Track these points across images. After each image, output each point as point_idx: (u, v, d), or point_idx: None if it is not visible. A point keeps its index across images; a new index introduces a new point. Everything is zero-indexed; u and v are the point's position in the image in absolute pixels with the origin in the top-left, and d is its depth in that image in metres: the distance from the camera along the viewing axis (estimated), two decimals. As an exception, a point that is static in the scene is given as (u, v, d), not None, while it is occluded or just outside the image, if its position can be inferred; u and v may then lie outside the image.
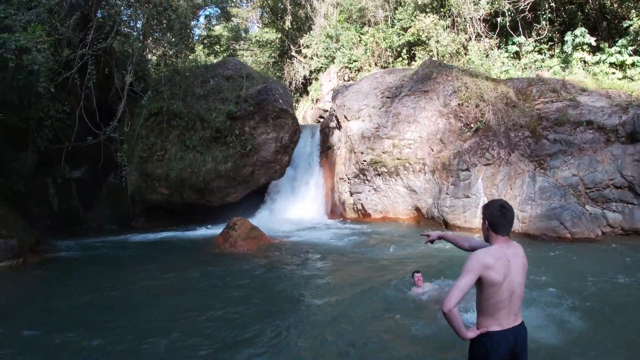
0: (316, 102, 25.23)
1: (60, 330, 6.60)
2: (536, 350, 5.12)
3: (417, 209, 14.74)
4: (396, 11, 22.51)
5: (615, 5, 18.19)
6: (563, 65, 17.22)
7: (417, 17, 21.03)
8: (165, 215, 16.44)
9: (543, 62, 17.97)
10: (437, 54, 20.07)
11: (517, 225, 11.92)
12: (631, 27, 15.99)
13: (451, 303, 3.14)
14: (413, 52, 21.55)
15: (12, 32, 10.55)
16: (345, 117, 16.89)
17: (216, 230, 14.20)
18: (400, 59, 21.70)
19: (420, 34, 20.78)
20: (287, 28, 27.92)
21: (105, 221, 15.93)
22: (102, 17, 14.46)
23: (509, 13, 18.80)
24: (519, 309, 3.44)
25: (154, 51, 18.98)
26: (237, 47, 29.78)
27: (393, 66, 21.20)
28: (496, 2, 18.76)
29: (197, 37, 26.58)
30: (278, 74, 28.01)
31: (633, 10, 16.59)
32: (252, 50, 29.57)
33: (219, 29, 30.32)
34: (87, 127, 13.57)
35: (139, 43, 15.86)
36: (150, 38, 17.10)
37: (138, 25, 16.67)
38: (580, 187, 12.45)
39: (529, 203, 12.38)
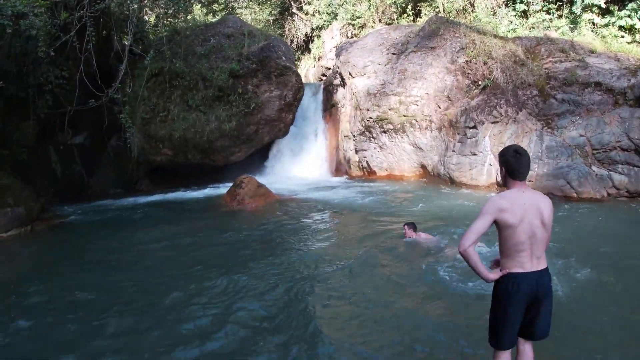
0: (318, 60, 24.81)
1: (72, 294, 6.53)
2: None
3: (423, 167, 14.72)
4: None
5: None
6: (571, 26, 16.88)
7: (422, -29, 20.48)
8: (169, 177, 16.38)
9: (551, 22, 17.57)
10: (444, 11, 19.61)
11: (524, 183, 11.93)
12: (642, -8, 15.62)
13: (465, 243, 3.31)
14: (418, 8, 21.01)
15: (7, -1, 10.23)
16: (350, 74, 16.66)
17: (221, 190, 14.25)
18: (406, 15, 21.17)
19: (426, -11, 20.29)
20: (287, -17, 27.24)
21: (109, 185, 15.82)
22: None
23: (518, -30, 18.32)
24: (542, 253, 3.50)
25: (150, 12, 18.52)
26: (236, 4, 29.03)
27: (398, 22, 20.71)
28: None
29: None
30: (279, 32, 27.36)
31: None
32: (251, 8, 28.81)
33: (216, -13, 29.55)
34: (87, 92, 13.36)
35: (135, 4, 15.47)
36: (147, -1, 16.64)
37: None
38: (587, 147, 12.40)
39: (536, 162, 12.34)
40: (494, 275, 3.49)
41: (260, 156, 17.17)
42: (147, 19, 18.70)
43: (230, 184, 13.14)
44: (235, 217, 11.00)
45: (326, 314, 5.67)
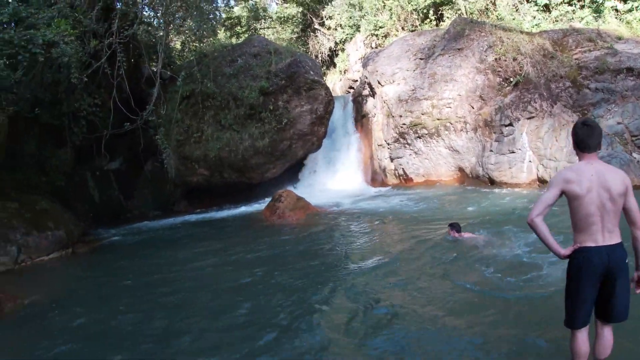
0: (344, 73, 24.93)
1: (116, 316, 6.26)
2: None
3: (461, 169, 14.54)
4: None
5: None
6: (595, 15, 16.67)
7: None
8: (205, 197, 16.53)
9: (574, 13, 17.37)
10: (466, 12, 19.52)
11: (567, 176, 11.71)
12: (664, -27, 15.35)
13: (533, 213, 3.38)
14: (440, 12, 20.97)
15: (37, 29, 10.47)
16: (379, 83, 16.64)
17: (258, 206, 14.35)
18: (428, 20, 21.15)
19: (447, -8, 20.24)
20: (307, 1, 27.47)
21: (147, 208, 15.97)
22: (123, 5, 14.37)
23: (538, -37, 18.18)
24: (615, 227, 3.43)
25: (175, 39, 18.93)
26: (258, 26, 29.48)
27: (421, 29, 20.71)
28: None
29: (218, 20, 26.36)
30: (302, 48, 27.62)
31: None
32: (273, 28, 29.24)
33: (237, 10, 30.04)
34: (121, 117, 13.66)
35: (160, 31, 15.80)
36: (172, 25, 16.97)
37: (159, 15, 16.59)
38: (626, 134, 12.16)
39: (577, 153, 12.07)
40: (566, 250, 3.45)
41: (293, 172, 17.22)
42: (172, 45, 19.09)
43: (266, 201, 13.26)
44: (278, 231, 10.99)
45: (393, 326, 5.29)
